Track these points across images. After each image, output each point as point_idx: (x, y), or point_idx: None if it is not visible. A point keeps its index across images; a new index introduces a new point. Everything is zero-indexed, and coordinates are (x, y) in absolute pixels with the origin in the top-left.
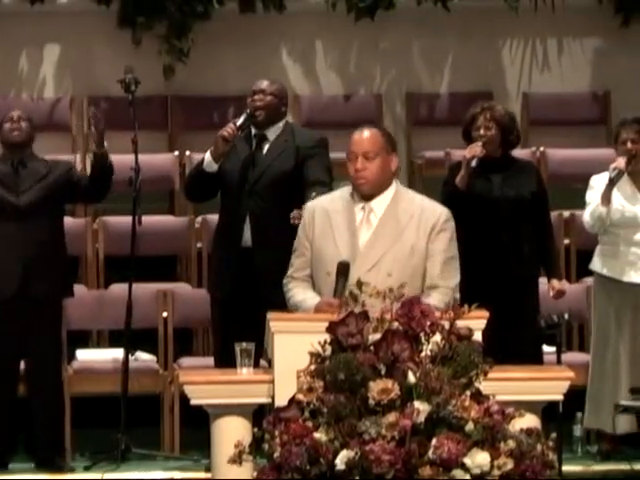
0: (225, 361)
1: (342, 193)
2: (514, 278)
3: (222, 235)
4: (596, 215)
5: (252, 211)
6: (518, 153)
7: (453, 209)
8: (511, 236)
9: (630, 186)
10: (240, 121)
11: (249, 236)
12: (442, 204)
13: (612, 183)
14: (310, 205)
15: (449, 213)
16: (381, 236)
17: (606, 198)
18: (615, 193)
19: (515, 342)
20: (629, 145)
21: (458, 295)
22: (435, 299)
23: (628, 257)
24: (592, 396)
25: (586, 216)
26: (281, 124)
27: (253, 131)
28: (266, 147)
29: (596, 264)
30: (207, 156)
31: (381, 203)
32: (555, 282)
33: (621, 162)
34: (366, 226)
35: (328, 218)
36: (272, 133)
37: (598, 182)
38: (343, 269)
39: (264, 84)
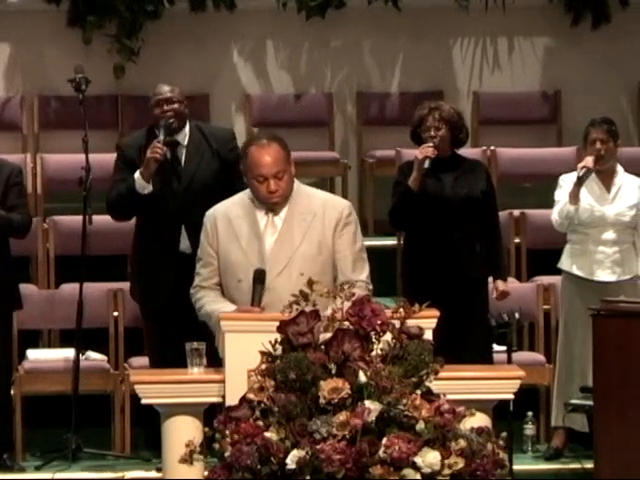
0: (162, 363)
1: (240, 199)
2: (465, 277)
3: (155, 242)
4: (564, 213)
5: (187, 219)
6: (468, 152)
7: (406, 209)
8: (463, 235)
9: (598, 186)
10: (162, 137)
11: (187, 243)
12: (394, 204)
13: (580, 182)
14: (210, 213)
15: (351, 206)
16: (287, 237)
17: (574, 196)
18: (584, 193)
19: (465, 341)
20: (598, 145)
21: (371, 286)
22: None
23: (596, 256)
24: (560, 394)
25: (554, 214)
26: (187, 126)
27: (168, 153)
28: (182, 153)
29: (565, 263)
30: (138, 178)
31: (283, 205)
32: (500, 283)
33: (589, 161)
34: (271, 230)
35: (230, 224)
36: (182, 137)
37: (567, 181)
38: (259, 276)
39: (169, 92)
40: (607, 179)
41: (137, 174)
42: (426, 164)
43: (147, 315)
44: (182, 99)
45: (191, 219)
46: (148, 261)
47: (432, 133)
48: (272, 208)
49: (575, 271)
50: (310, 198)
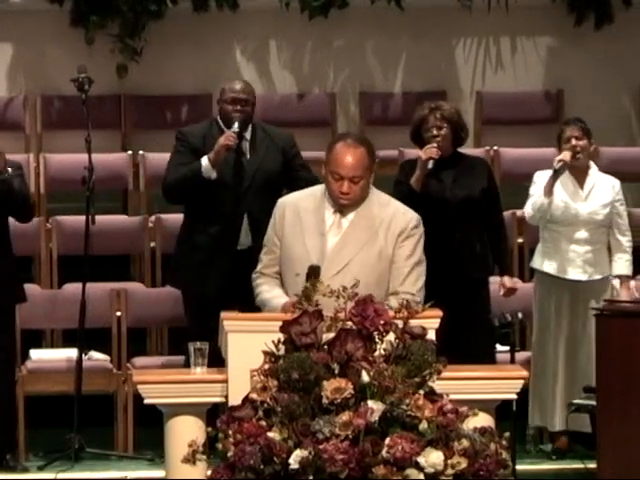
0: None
1: (314, 191)
2: (466, 278)
3: (212, 235)
4: (537, 206)
5: (250, 212)
6: (471, 152)
7: None
8: (463, 236)
9: (573, 183)
10: (236, 129)
11: (248, 237)
12: None
13: (556, 175)
14: (281, 201)
15: (419, 219)
16: (349, 240)
17: (549, 189)
18: (558, 190)
19: (467, 341)
20: (573, 142)
21: (419, 298)
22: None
23: (568, 254)
24: (535, 394)
25: (527, 207)
26: (250, 123)
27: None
28: (247, 148)
29: (537, 261)
30: (205, 163)
31: (354, 207)
32: (507, 279)
33: (567, 155)
34: (336, 229)
35: (299, 217)
36: (247, 133)
37: (542, 177)
38: (313, 272)
39: (244, 94)
40: (581, 177)
41: (204, 159)
42: (430, 165)
43: (194, 309)
44: (253, 100)
45: (253, 212)
46: (202, 254)
47: (435, 132)
48: (341, 209)
49: (546, 269)
50: (381, 205)
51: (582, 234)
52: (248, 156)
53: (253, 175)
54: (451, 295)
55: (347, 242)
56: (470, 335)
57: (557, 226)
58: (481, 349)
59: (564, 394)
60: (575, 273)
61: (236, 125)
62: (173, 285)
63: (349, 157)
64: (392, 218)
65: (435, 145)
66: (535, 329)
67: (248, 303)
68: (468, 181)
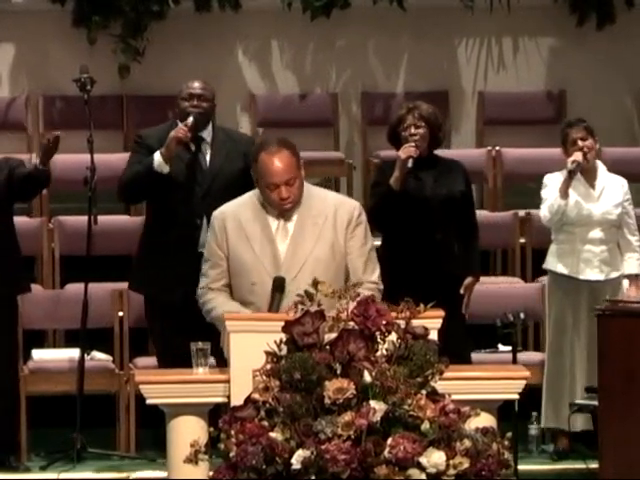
0: (173, 362)
1: (250, 200)
2: (446, 276)
3: (172, 238)
4: (555, 208)
5: (208, 214)
6: (473, 153)
7: (387, 209)
8: (443, 235)
9: (583, 185)
10: (189, 123)
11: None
12: (375, 204)
13: (571, 176)
14: (217, 213)
15: (360, 206)
16: (300, 242)
17: (564, 191)
18: (570, 192)
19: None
20: (580, 143)
21: (382, 286)
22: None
23: (584, 255)
24: (549, 395)
25: (544, 211)
26: (210, 125)
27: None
28: (207, 150)
29: (551, 263)
30: (157, 157)
31: (294, 209)
32: (468, 279)
33: (579, 155)
34: (282, 234)
35: (241, 227)
36: (207, 135)
37: (552, 180)
38: (280, 284)
39: (201, 89)
40: (591, 177)
41: (157, 153)
42: (410, 164)
43: (157, 313)
44: (212, 98)
45: (212, 214)
46: (164, 257)
47: (412, 131)
48: (283, 213)
49: (562, 271)
50: (321, 201)
51: (597, 234)
52: (208, 158)
53: (213, 177)
54: (430, 293)
55: (298, 244)
56: (448, 333)
57: (571, 227)
58: (458, 348)
59: (583, 394)
60: (592, 273)
61: (190, 119)
62: (135, 290)
63: (277, 164)
64: (335, 210)
65: (413, 144)
66: (550, 330)
67: None
68: (448, 181)
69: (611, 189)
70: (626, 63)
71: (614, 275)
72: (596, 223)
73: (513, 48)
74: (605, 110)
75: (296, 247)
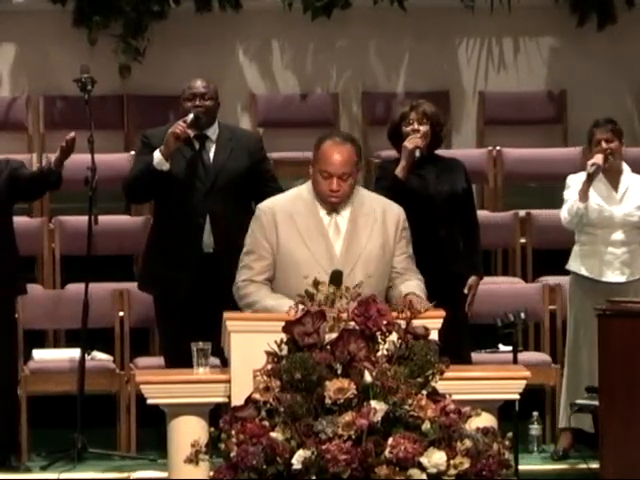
0: (178, 362)
1: (300, 194)
2: (449, 274)
3: (176, 237)
4: (574, 211)
5: (212, 213)
6: (474, 152)
7: (394, 201)
8: (447, 232)
9: (606, 186)
10: (189, 119)
11: (210, 239)
12: None
13: (590, 179)
14: (266, 206)
15: (404, 211)
16: (354, 239)
17: (584, 194)
18: (592, 193)
19: (446, 339)
20: (604, 144)
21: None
22: (415, 283)
23: (606, 257)
24: (568, 395)
25: (564, 212)
26: (216, 123)
27: (192, 133)
28: (211, 148)
29: (573, 264)
30: (157, 155)
31: (346, 206)
32: (472, 278)
33: (599, 158)
34: (335, 229)
35: (292, 220)
36: (212, 133)
37: (575, 181)
38: (337, 277)
39: (203, 88)
40: (614, 179)
41: (156, 151)
42: (417, 153)
43: (163, 313)
44: (215, 97)
45: (215, 213)
46: (168, 256)
47: (416, 126)
48: (335, 208)
49: (584, 272)
50: (370, 200)
51: (618, 236)
52: (212, 156)
53: (216, 175)
54: (434, 292)
55: (352, 240)
56: (449, 332)
57: (593, 229)
58: (460, 347)
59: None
60: (613, 275)
61: (190, 115)
62: (144, 289)
63: (337, 155)
64: (383, 212)
65: (418, 135)
66: (569, 331)
67: (218, 305)
68: (450, 178)
69: (634, 191)
70: (626, 63)
71: (635, 277)
72: (618, 225)
73: (514, 48)
74: (605, 110)
75: (350, 243)
